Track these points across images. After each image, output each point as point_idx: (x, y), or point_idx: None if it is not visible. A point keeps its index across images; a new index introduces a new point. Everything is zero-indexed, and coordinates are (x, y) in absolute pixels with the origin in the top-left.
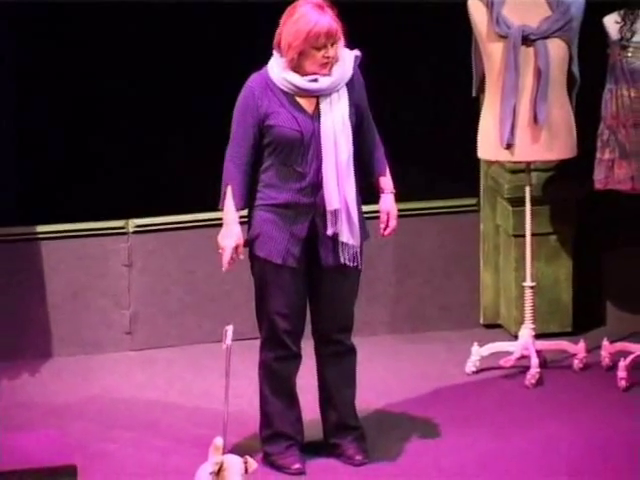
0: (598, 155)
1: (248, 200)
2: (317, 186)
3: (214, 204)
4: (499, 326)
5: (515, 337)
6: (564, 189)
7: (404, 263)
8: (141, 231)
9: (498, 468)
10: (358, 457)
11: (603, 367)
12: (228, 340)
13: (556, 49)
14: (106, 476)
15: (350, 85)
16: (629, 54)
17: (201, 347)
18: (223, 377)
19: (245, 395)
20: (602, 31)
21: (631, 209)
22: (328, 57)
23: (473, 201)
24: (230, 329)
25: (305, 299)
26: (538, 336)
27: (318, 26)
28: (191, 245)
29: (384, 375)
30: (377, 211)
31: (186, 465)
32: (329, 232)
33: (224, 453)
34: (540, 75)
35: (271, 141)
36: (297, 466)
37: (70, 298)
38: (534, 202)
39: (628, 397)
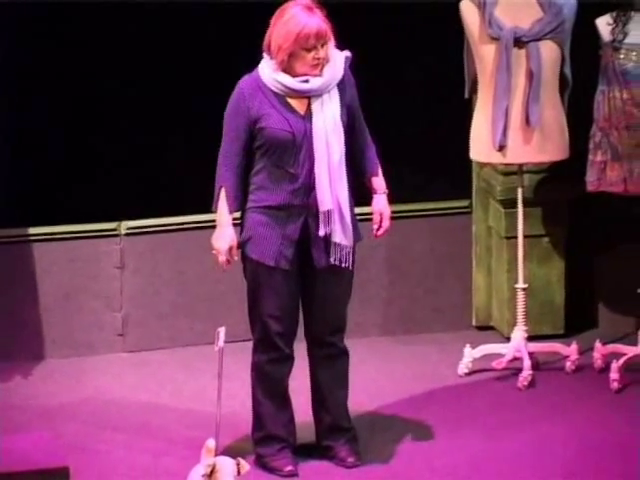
0: (590, 157)
1: (241, 203)
2: (310, 187)
3: (210, 205)
4: (491, 328)
5: (507, 339)
6: (556, 191)
7: (396, 265)
8: (133, 233)
9: (490, 469)
10: (350, 459)
11: (595, 369)
12: (220, 342)
13: (548, 51)
14: (98, 478)
15: (341, 85)
16: (621, 56)
17: (193, 349)
18: (215, 379)
19: (237, 397)
20: (594, 33)
21: (623, 211)
22: (318, 58)
23: (465, 203)
24: (222, 331)
25: (298, 301)
26: (530, 338)
27: (308, 27)
28: (183, 247)
29: (376, 377)
30: (370, 213)
31: (178, 467)
32: (321, 233)
33: (216, 455)
34: (532, 77)
35: (263, 143)
36: (289, 468)
37: (62, 300)
38: (526, 204)
39: (620, 399)
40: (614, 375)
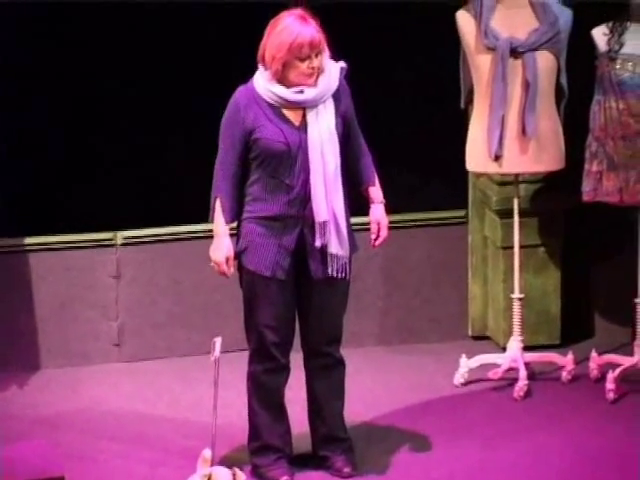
0: (586, 167)
1: (237, 213)
2: (305, 198)
3: (207, 209)
4: (487, 338)
5: (503, 349)
6: (552, 201)
7: (392, 275)
8: (129, 243)
9: (487, 479)
10: (347, 469)
11: (591, 379)
12: (216, 352)
13: (544, 61)
14: None
15: (336, 96)
16: (617, 66)
17: (189, 359)
18: (211, 389)
19: (234, 407)
20: (590, 43)
21: (619, 221)
22: (312, 68)
23: (461, 213)
24: (218, 341)
25: (294, 311)
26: (526, 348)
27: (301, 36)
28: (179, 257)
29: (373, 387)
30: (366, 223)
31: (174, 477)
32: (317, 243)
33: (212, 465)
34: (528, 87)
35: (258, 154)
36: (286, 478)
37: (58, 310)
38: (522, 214)
39: (616, 409)
40: (610, 385)
